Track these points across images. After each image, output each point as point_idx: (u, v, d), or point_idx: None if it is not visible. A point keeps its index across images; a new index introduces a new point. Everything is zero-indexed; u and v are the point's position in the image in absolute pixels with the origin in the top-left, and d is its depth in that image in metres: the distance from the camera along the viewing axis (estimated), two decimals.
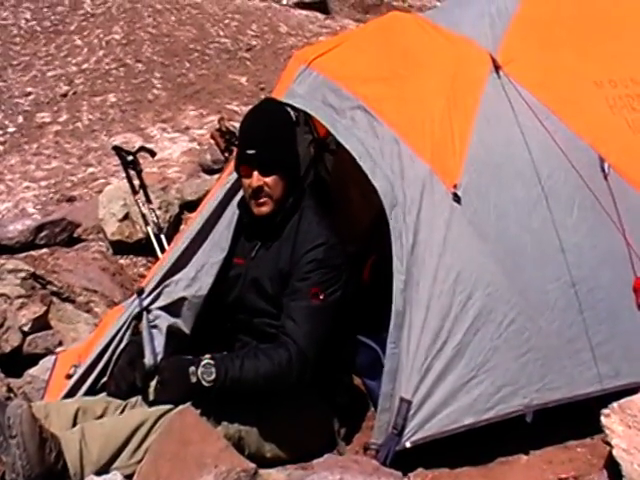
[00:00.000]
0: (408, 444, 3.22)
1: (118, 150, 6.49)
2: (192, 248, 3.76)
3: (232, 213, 3.77)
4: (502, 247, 3.52)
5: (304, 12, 14.42)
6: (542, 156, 3.65)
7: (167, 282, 3.71)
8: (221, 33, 12.68)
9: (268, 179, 3.51)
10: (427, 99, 3.72)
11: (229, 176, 3.89)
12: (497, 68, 3.75)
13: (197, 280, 3.69)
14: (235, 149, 6.88)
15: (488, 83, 3.74)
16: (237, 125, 7.54)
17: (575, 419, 3.41)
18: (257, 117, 3.68)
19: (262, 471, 3.00)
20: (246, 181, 3.54)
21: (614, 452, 2.86)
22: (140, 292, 3.73)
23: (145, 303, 3.68)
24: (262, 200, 3.53)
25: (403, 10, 16.03)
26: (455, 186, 3.49)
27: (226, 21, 13.24)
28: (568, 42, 4.07)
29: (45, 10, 14.05)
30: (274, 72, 10.67)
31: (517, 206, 3.60)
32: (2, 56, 12.53)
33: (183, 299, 3.65)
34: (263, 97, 9.54)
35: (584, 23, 4.22)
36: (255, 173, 3.50)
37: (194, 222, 3.92)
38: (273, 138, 3.57)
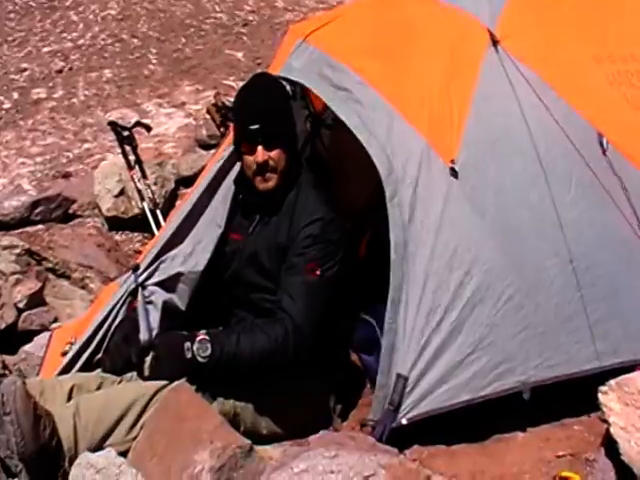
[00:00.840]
0: (404, 421, 3.21)
1: (114, 125, 6.47)
2: (188, 224, 3.75)
3: (228, 188, 3.75)
4: (500, 223, 3.50)
5: None
6: (540, 131, 3.61)
7: (163, 258, 3.71)
8: (217, 8, 12.60)
9: (272, 153, 3.49)
10: (425, 73, 3.69)
11: (224, 151, 3.86)
12: (495, 43, 3.71)
13: (193, 256, 3.67)
14: (231, 125, 6.90)
15: (486, 58, 3.71)
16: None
17: (572, 397, 3.40)
18: (255, 91, 3.66)
19: (258, 447, 3.00)
20: (249, 158, 3.51)
21: (611, 430, 2.85)
22: (135, 268, 3.72)
23: (140, 279, 3.67)
24: (268, 175, 3.51)
25: None
26: (452, 161, 3.46)
27: None
28: (567, 18, 4.04)
29: None
30: (271, 47, 10.60)
31: (515, 181, 3.57)
32: None
33: (179, 275, 3.64)
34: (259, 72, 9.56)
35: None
36: (259, 148, 3.47)
37: (190, 198, 3.90)
38: (274, 111, 3.55)
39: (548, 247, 3.51)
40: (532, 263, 3.48)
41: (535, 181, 3.56)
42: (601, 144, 3.66)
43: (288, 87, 3.86)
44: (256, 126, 3.48)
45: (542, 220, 3.53)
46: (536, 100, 3.62)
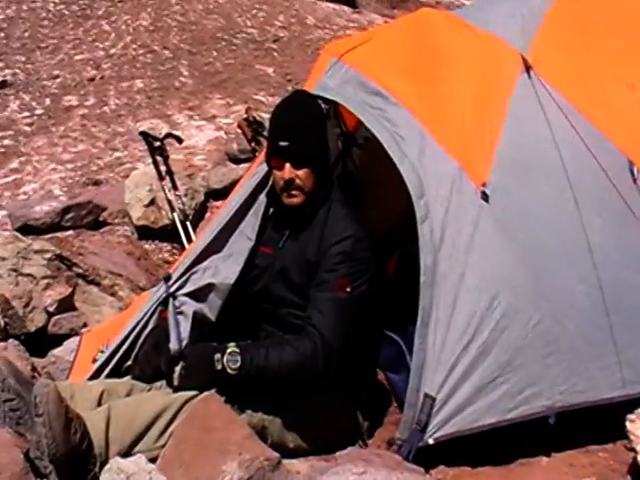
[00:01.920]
0: (431, 441, 3.21)
1: (145, 136, 6.54)
2: (221, 237, 3.78)
3: (260, 202, 3.79)
4: (529, 247, 3.52)
5: (331, 5, 14.40)
6: (571, 157, 3.63)
7: (194, 269, 3.73)
8: (248, 23, 12.69)
9: (300, 172, 3.52)
10: (457, 97, 3.72)
11: (259, 166, 3.91)
12: (528, 68, 3.74)
13: (224, 268, 3.69)
14: (262, 139, 6.95)
15: (519, 83, 3.73)
16: (264, 115, 7.57)
17: (598, 423, 3.41)
18: (289, 109, 3.69)
19: (285, 461, 3.01)
20: (278, 173, 3.56)
21: (639, 458, 2.85)
22: (167, 278, 3.75)
23: (172, 289, 3.70)
24: (294, 192, 3.54)
25: (431, 7, 15.99)
26: (484, 184, 3.48)
27: (253, 11, 13.25)
28: (600, 43, 4.06)
29: None
30: (301, 64, 10.69)
31: (545, 206, 3.59)
32: (31, 39, 12.58)
33: (210, 286, 3.66)
34: (290, 88, 9.60)
35: (617, 25, 4.21)
36: (287, 165, 3.51)
37: (223, 211, 3.94)
38: (306, 130, 3.58)
39: (577, 272, 3.52)
40: (561, 288, 3.50)
41: (565, 206, 3.58)
42: (632, 172, 3.68)
43: (323, 106, 3.89)
44: (286, 143, 3.51)
45: (571, 245, 3.55)
46: (568, 126, 3.64)
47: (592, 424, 3.42)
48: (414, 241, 3.49)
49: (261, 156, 3.97)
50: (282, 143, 3.52)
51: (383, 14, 14.90)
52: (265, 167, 3.74)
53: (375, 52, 4.04)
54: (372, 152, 3.94)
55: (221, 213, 3.95)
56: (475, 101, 3.68)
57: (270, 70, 10.82)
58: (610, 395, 3.41)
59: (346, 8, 14.46)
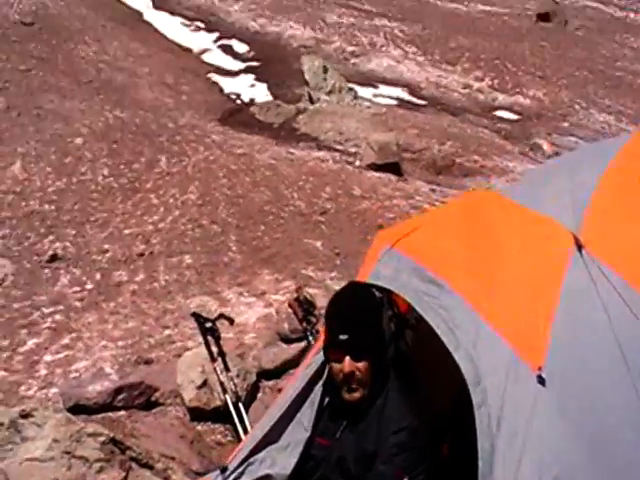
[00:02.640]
0: None
1: (197, 317, 6.57)
2: (277, 427, 3.81)
3: (316, 393, 3.80)
4: (588, 430, 3.46)
5: (376, 174, 14.57)
6: (627, 335, 3.61)
7: (251, 460, 3.74)
8: (295, 196, 12.86)
9: (360, 364, 3.55)
10: (510, 281, 3.74)
11: (315, 356, 3.94)
12: (580, 247, 3.77)
13: (281, 459, 3.71)
14: (313, 319, 6.98)
15: (571, 263, 3.75)
16: (314, 292, 7.64)
17: None
18: (347, 301, 3.75)
19: None
20: (337, 366, 3.58)
21: None
22: (224, 469, 3.76)
23: None
24: (354, 386, 3.55)
25: (474, 170, 16.14)
26: (540, 368, 3.47)
27: (300, 183, 13.45)
28: None
29: (122, 167, 14.40)
30: (349, 236, 10.80)
31: (602, 386, 3.56)
32: (80, 212, 12.77)
33: (267, 477, 3.67)
34: (338, 262, 9.68)
35: None
36: (347, 358, 3.54)
37: (280, 400, 3.96)
38: (365, 323, 3.63)
39: (638, 455, 3.46)
40: (623, 470, 3.43)
41: (622, 385, 3.55)
42: None
43: (377, 293, 3.94)
44: (345, 337, 3.55)
45: (631, 427, 3.50)
46: (622, 304, 3.64)
47: None
48: (467, 422, 3.47)
49: (317, 345, 4.00)
50: (342, 337, 3.56)
51: (428, 181, 15.08)
52: (321, 357, 3.77)
53: (428, 239, 4.09)
54: (424, 332, 3.95)
55: (277, 403, 3.98)
56: (528, 284, 3.70)
57: (318, 244, 10.88)
58: None
59: (392, 176, 14.64)
